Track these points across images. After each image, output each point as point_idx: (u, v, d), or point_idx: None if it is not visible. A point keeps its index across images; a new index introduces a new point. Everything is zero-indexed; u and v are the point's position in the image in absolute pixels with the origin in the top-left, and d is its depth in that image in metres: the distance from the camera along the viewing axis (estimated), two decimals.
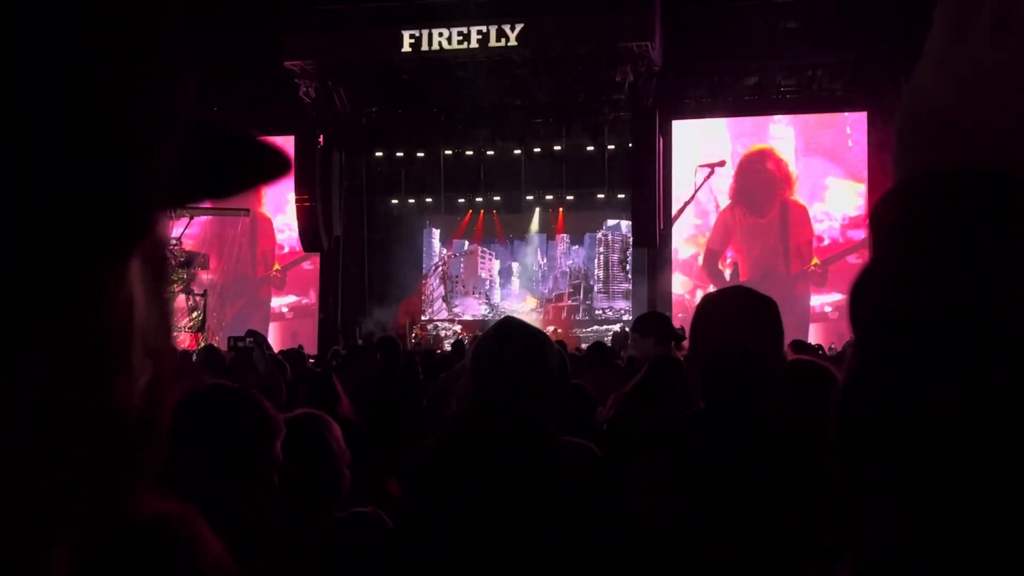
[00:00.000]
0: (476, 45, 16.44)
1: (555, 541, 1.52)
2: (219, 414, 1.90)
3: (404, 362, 5.89)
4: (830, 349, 12.06)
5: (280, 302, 19.30)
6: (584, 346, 10.42)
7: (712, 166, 17.46)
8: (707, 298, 2.02)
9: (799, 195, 17.10)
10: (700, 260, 17.52)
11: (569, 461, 1.66)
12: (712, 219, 17.60)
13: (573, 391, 4.06)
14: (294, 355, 7.76)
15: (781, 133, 17.22)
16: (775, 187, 17.15)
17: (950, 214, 0.54)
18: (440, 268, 20.86)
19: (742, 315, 1.87)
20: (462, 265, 20.82)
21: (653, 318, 4.91)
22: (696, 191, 17.48)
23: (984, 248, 0.52)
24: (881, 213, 0.58)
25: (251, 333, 6.00)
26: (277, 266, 19.21)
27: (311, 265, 18.99)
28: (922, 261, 0.54)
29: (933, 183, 0.56)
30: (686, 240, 17.66)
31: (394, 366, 5.14)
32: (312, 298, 19.02)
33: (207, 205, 18.48)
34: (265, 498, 1.94)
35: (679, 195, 17.55)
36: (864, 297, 0.57)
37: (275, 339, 16.16)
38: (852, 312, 0.58)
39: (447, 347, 12.18)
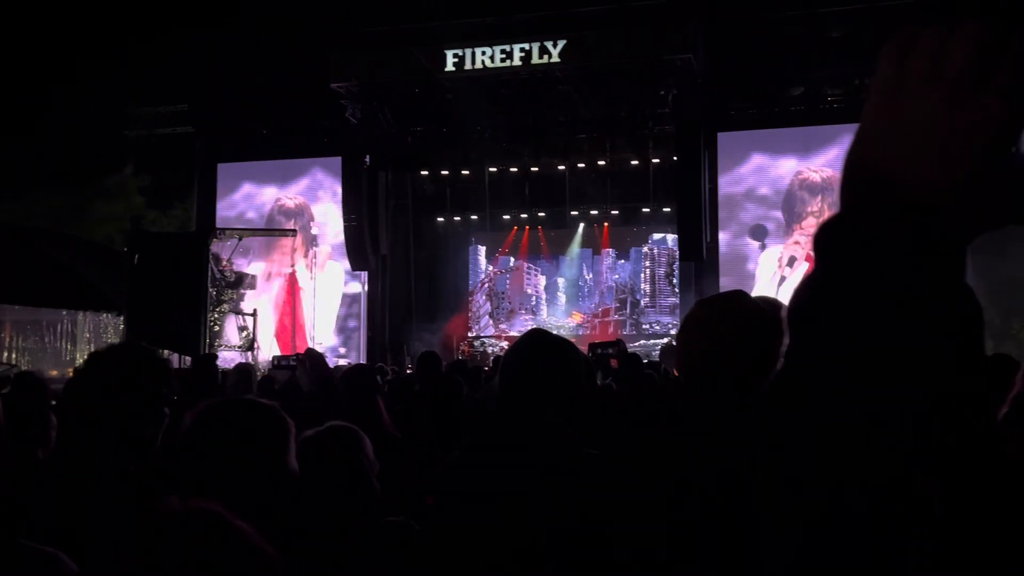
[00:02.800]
0: (519, 63, 16.54)
1: (563, 549, 1.51)
2: (228, 423, 2.00)
3: (446, 376, 5.91)
4: None
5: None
6: None
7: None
8: (691, 310, 1.97)
9: None
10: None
11: (586, 470, 1.65)
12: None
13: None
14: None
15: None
16: None
17: (852, 247, 0.66)
18: (486, 285, 20.92)
19: (718, 329, 1.82)
20: (508, 281, 20.85)
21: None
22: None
23: (866, 280, 0.64)
24: (817, 237, 0.69)
25: (309, 351, 6.08)
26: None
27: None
28: (829, 283, 0.66)
29: (846, 221, 0.68)
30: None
31: (435, 380, 5.16)
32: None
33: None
34: (281, 499, 2.00)
35: (724, 208, 17.44)
36: (794, 304, 0.68)
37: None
38: (788, 316, 0.69)
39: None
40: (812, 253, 0.70)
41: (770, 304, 1.88)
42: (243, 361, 10.00)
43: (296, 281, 19.19)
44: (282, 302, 19.01)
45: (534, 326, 19.76)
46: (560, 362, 2.14)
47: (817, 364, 0.64)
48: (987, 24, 0.62)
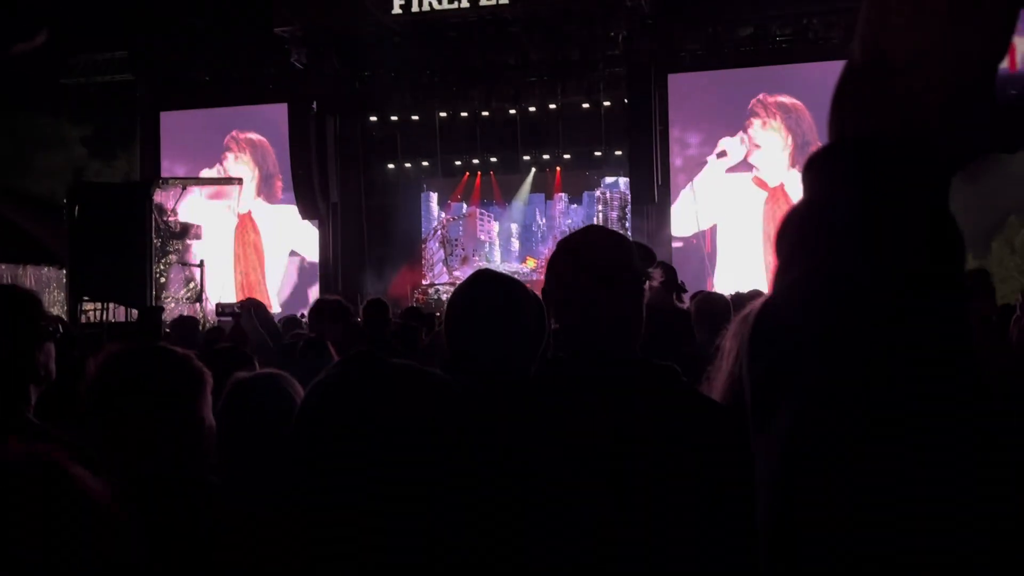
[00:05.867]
0: (467, 5, 16.26)
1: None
2: (138, 371, 1.92)
3: (398, 325, 5.87)
4: None
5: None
6: None
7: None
8: (563, 240, 1.97)
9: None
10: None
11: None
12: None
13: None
14: (290, 321, 7.75)
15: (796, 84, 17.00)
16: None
17: (843, 175, 0.65)
18: (439, 232, 20.80)
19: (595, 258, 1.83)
20: (461, 228, 20.76)
21: (665, 268, 4.98)
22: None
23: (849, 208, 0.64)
24: (808, 166, 0.69)
25: (250, 300, 6.00)
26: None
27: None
28: (818, 210, 0.67)
29: (838, 150, 0.67)
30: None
31: (383, 329, 5.12)
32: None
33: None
34: (194, 451, 1.94)
35: (676, 152, 17.40)
36: (782, 230, 0.69)
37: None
38: (776, 241, 0.70)
39: None
40: (803, 181, 0.70)
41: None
42: (186, 314, 9.86)
43: (251, 223, 18.90)
44: (238, 247, 18.72)
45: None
46: (503, 302, 2.10)
47: (805, 290, 0.65)
48: None
